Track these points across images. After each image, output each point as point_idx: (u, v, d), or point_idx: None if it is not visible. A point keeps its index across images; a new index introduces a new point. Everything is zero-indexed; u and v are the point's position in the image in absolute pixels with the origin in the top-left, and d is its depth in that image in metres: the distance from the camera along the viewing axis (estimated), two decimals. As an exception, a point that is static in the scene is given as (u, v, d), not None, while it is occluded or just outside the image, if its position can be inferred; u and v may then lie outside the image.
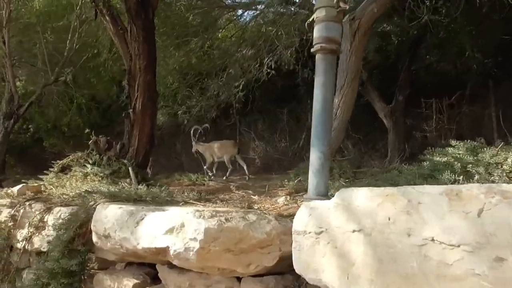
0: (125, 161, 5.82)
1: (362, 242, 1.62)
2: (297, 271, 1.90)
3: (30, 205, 3.84)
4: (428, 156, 3.28)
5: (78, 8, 7.98)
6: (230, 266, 2.06)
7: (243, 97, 7.35)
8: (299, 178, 4.59)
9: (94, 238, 2.75)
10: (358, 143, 7.64)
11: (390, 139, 6.70)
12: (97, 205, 2.95)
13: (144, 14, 5.75)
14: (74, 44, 8.38)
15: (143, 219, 2.28)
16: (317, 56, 2.14)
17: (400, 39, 6.27)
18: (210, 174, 6.95)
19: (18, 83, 9.55)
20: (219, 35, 8.45)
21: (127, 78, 6.25)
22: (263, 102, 8.40)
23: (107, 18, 6.02)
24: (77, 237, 3.00)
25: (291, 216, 2.17)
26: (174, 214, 2.15)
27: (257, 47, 5.56)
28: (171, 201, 2.91)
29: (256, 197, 3.63)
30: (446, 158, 2.98)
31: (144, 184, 4.63)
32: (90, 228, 2.94)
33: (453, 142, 3.15)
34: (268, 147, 8.67)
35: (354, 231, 1.66)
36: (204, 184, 6.56)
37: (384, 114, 6.71)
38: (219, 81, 7.28)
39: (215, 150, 7.05)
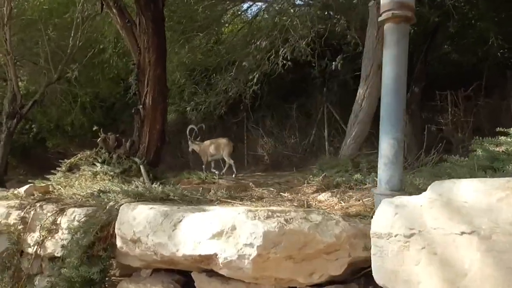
0: (136, 159, 5.43)
1: (477, 248, 1.25)
2: (378, 282, 1.54)
3: (41, 206, 3.43)
4: (475, 146, 2.93)
5: (80, 4, 7.54)
6: (290, 275, 1.69)
7: (252, 93, 7.00)
8: (324, 174, 4.23)
9: (119, 243, 2.36)
10: (370, 137, 7.31)
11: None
12: (120, 205, 2.56)
13: (153, 4, 5.33)
14: (77, 41, 7.94)
15: (181, 221, 1.89)
16: (387, 26, 1.77)
17: (418, 28, 5.92)
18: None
19: (20, 83, 9.09)
20: (226, 30, 8.05)
21: (136, 73, 5.84)
22: (271, 98, 8.03)
23: (114, 10, 5.61)
24: (98, 242, 2.61)
25: (359, 215, 1.80)
26: (220, 215, 1.77)
27: (272, 37, 5.18)
28: (203, 200, 2.53)
29: (286, 194, 3.25)
30: (504, 148, 2.62)
31: (158, 183, 4.27)
32: (113, 231, 2.55)
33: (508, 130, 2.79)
34: (277, 144, 8.30)
35: (462, 233, 1.29)
36: (214, 183, 6.19)
37: (399, 107, 6.35)
38: (228, 76, 6.90)
39: (210, 149, 6.75)
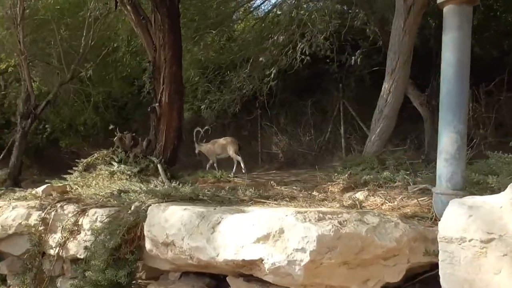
0: (153, 158, 5.31)
1: None
2: (448, 291, 1.37)
3: (61, 207, 3.31)
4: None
5: (92, 3, 7.43)
6: (343, 282, 1.53)
7: (268, 90, 6.83)
8: (349, 172, 4.04)
9: (148, 246, 2.22)
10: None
11: (426, 129, 6.14)
12: (147, 206, 2.42)
13: (169, 0, 5.20)
14: (90, 41, 7.84)
15: (219, 223, 1.74)
16: (447, 9, 1.60)
17: (438, 20, 5.69)
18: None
19: (33, 84, 9.02)
20: (239, 26, 7.90)
21: (151, 71, 5.72)
22: (285, 95, 7.85)
23: (128, 7, 5.48)
24: (124, 244, 2.47)
25: (416, 216, 1.63)
26: (264, 217, 1.62)
27: (290, 32, 5.01)
28: (235, 200, 2.38)
29: (316, 194, 3.08)
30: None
31: (178, 182, 4.15)
32: (140, 233, 2.41)
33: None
34: (292, 141, 8.11)
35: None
36: (229, 181, 6.04)
37: (419, 103, 6.13)
38: (243, 73, 6.74)
39: (216, 149, 6.66)
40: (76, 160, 5.19)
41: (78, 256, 3.03)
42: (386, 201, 2.10)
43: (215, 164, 6.63)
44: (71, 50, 8.18)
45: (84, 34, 7.74)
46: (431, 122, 6.17)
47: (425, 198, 1.95)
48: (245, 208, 1.89)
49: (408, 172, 3.62)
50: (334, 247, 1.45)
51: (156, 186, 3.93)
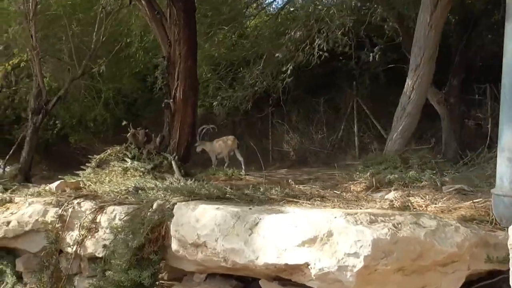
0: (167, 154, 5.21)
1: None
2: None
3: (78, 203, 3.21)
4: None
5: (104, -2, 7.33)
6: (396, 290, 1.41)
7: (281, 87, 6.71)
8: (370, 171, 3.90)
9: (175, 246, 2.10)
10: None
11: (444, 127, 5.98)
12: (172, 204, 2.31)
13: (185, -6, 5.08)
14: (101, 36, 7.75)
15: (257, 224, 1.62)
16: (511, -5, 1.46)
17: (458, 17, 5.54)
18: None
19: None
20: (251, 23, 7.76)
21: (165, 66, 5.61)
22: (298, 92, 7.71)
23: (143, 2, 5.39)
24: (148, 244, 2.36)
25: (474, 220, 1.50)
26: (308, 218, 1.49)
27: (307, 28, 4.87)
28: (264, 199, 2.25)
29: (342, 193, 2.95)
30: None
31: (193, 179, 4.05)
32: (165, 233, 2.30)
33: None
34: (304, 139, 7.98)
35: None
36: (241, 179, 5.94)
37: (437, 101, 5.97)
38: (256, 70, 6.61)
39: (217, 147, 6.58)
40: (89, 156, 5.11)
41: (97, 254, 2.93)
42: (429, 202, 1.97)
43: (214, 163, 6.58)
44: (83, 46, 8.10)
45: (96, 29, 7.65)
46: (448, 120, 6.02)
47: (480, 200, 1.82)
48: (281, 208, 1.76)
49: (434, 172, 3.49)
50: (390, 252, 1.32)
51: (171, 183, 3.83)
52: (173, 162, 5.06)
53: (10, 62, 7.86)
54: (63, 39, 8.12)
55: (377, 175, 3.63)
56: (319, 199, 2.29)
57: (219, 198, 2.32)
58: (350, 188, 3.61)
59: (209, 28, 6.74)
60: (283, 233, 1.52)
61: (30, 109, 7.88)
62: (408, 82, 3.96)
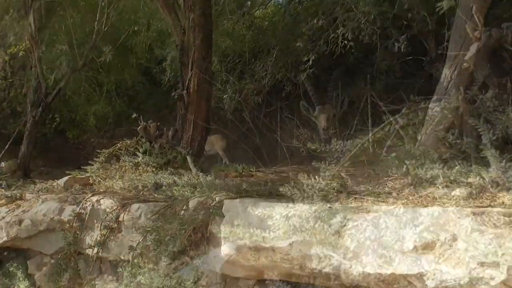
0: (181, 149, 4.94)
1: None
2: None
3: (97, 201, 2.92)
4: None
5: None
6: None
7: (294, 79, 6.43)
8: (405, 166, 3.67)
9: (226, 250, 1.84)
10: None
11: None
12: (218, 202, 2.04)
13: (202, -23, 4.78)
14: (103, 26, 7.39)
15: (344, 226, 1.37)
16: None
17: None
18: None
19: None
20: (261, 12, 7.48)
21: (178, 55, 5.33)
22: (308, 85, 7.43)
23: (153, -15, 5.08)
24: (189, 247, 2.10)
25: None
26: (421, 219, 1.24)
27: (332, 15, 4.62)
28: (326, 196, 1.99)
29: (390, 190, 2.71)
30: None
31: (207, 175, 3.81)
32: (209, 234, 2.04)
33: None
34: (314, 135, 7.71)
35: None
36: (252, 175, 5.71)
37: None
38: (269, 61, 6.34)
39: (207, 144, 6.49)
40: (97, 151, 4.83)
41: (121, 257, 2.66)
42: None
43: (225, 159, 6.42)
44: (84, 36, 7.75)
45: (97, 18, 7.30)
46: (467, 114, 5.81)
47: None
48: (368, 206, 1.51)
49: (479, 167, 3.27)
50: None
51: (190, 179, 3.57)
52: (188, 157, 4.81)
53: (8, 52, 7.47)
54: (63, 29, 7.76)
55: (414, 171, 3.40)
56: (383, 195, 2.05)
57: (271, 194, 2.06)
58: (388, 184, 3.38)
59: (221, 16, 6.45)
60: (385, 237, 1.27)
61: (29, 102, 7.53)
62: (445, 72, 3.72)
